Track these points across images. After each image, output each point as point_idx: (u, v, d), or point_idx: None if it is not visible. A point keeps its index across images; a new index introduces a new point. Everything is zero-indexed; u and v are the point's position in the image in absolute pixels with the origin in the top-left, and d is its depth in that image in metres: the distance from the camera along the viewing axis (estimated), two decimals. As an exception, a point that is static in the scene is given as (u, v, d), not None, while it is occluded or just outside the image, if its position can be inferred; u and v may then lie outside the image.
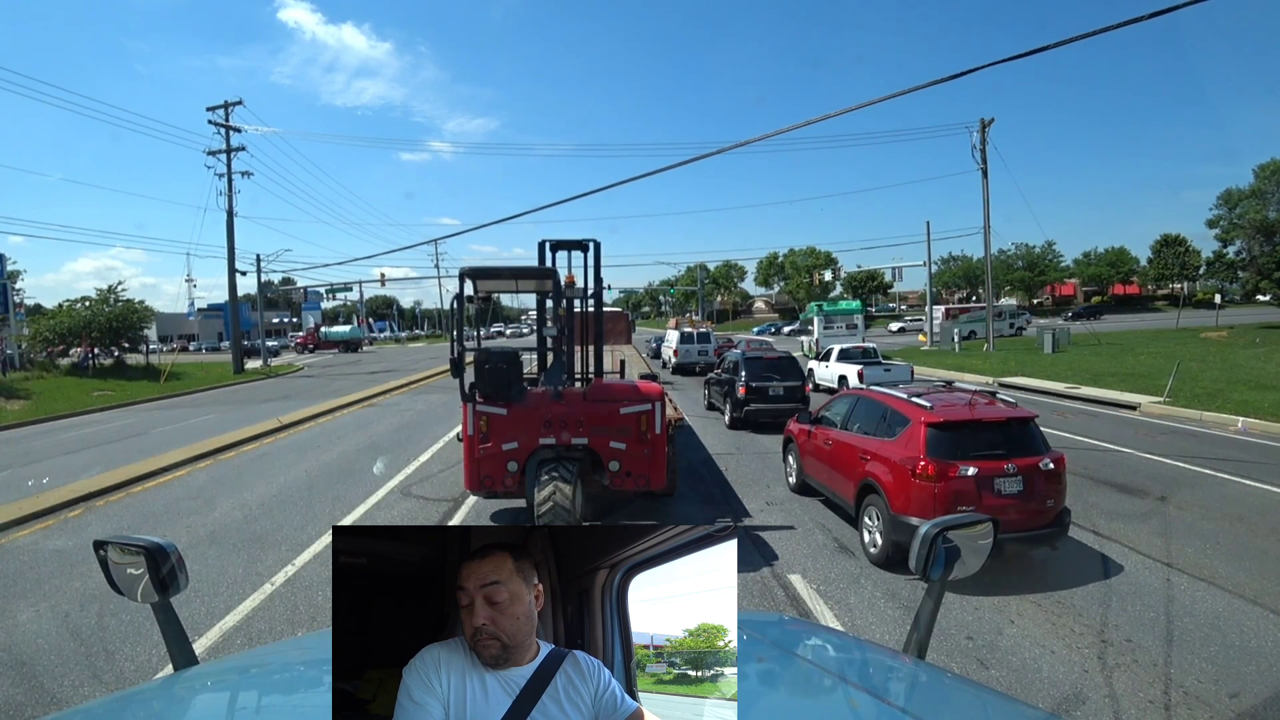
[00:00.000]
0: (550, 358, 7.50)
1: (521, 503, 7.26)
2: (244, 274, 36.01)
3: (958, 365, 24.95)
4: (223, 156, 33.71)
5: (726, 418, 13.92)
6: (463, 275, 6.74)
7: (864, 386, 9.11)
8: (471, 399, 6.58)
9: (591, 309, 7.53)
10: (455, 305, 6.85)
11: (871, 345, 20.84)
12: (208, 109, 33.90)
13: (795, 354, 17.79)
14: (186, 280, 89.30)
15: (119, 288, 32.50)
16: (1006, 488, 5.74)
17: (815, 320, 30.34)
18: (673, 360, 25.75)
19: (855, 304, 34.46)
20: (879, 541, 6.14)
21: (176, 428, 16.51)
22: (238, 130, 33.92)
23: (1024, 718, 1.54)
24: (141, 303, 33.15)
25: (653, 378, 9.38)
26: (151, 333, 35.79)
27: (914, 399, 6.51)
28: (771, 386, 13.31)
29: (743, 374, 13.35)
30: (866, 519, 6.40)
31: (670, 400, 8.45)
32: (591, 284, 7.35)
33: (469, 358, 6.66)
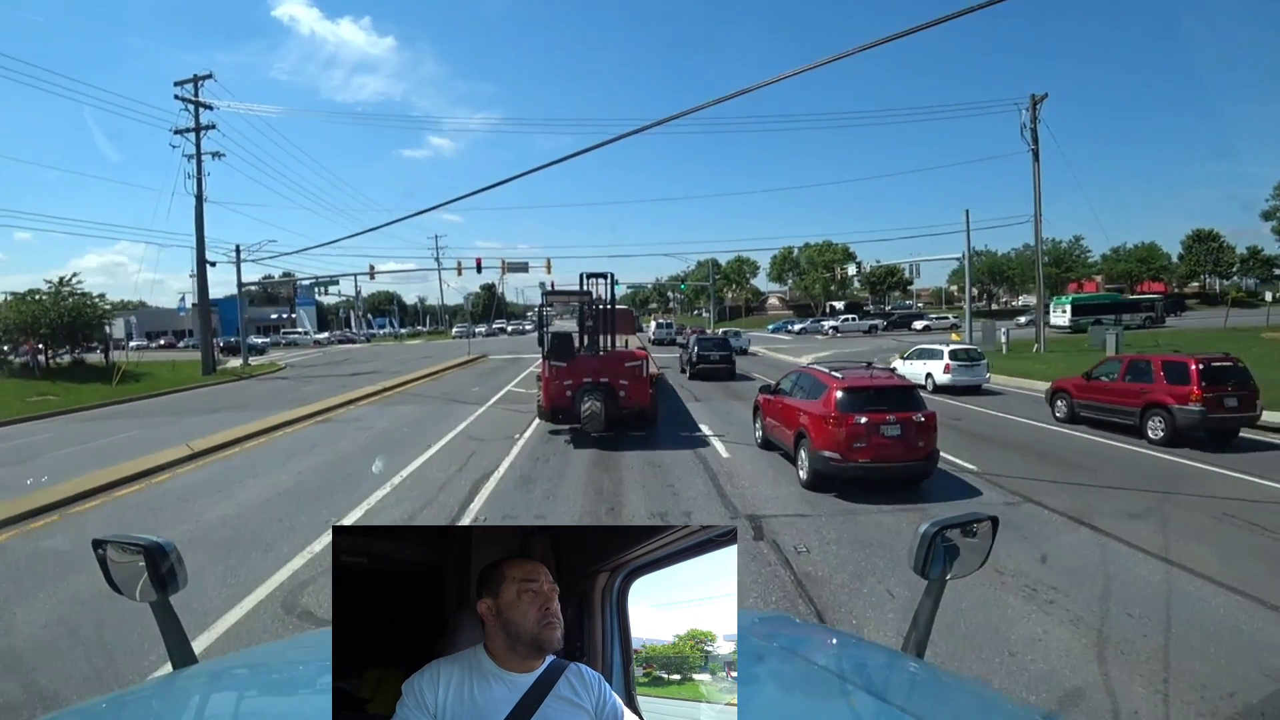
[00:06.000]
0: (587, 338, 13.07)
1: (562, 440, 12.26)
2: (213, 264, 32.30)
3: (1005, 369, 21.37)
4: (202, 138, 30.55)
5: (687, 373, 24.55)
6: (544, 294, 14.55)
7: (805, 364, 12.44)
8: (548, 357, 12.05)
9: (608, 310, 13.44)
10: (538, 312, 14.00)
11: (733, 333, 38.87)
12: (175, 83, 30.20)
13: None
14: (191, 276, 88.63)
15: (73, 280, 28.56)
16: (889, 432, 8.14)
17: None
18: (651, 337, 43.68)
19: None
20: (806, 467, 8.61)
21: (80, 449, 13.05)
22: (209, 108, 30.58)
23: (1023, 716, 1.54)
24: (101, 296, 29.75)
25: (643, 348, 15.15)
26: (118, 329, 31.80)
27: (833, 373, 9.16)
28: (710, 355, 24.03)
29: (694, 349, 24.29)
30: (800, 456, 8.88)
31: (653, 360, 14.74)
32: (607, 296, 13.37)
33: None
